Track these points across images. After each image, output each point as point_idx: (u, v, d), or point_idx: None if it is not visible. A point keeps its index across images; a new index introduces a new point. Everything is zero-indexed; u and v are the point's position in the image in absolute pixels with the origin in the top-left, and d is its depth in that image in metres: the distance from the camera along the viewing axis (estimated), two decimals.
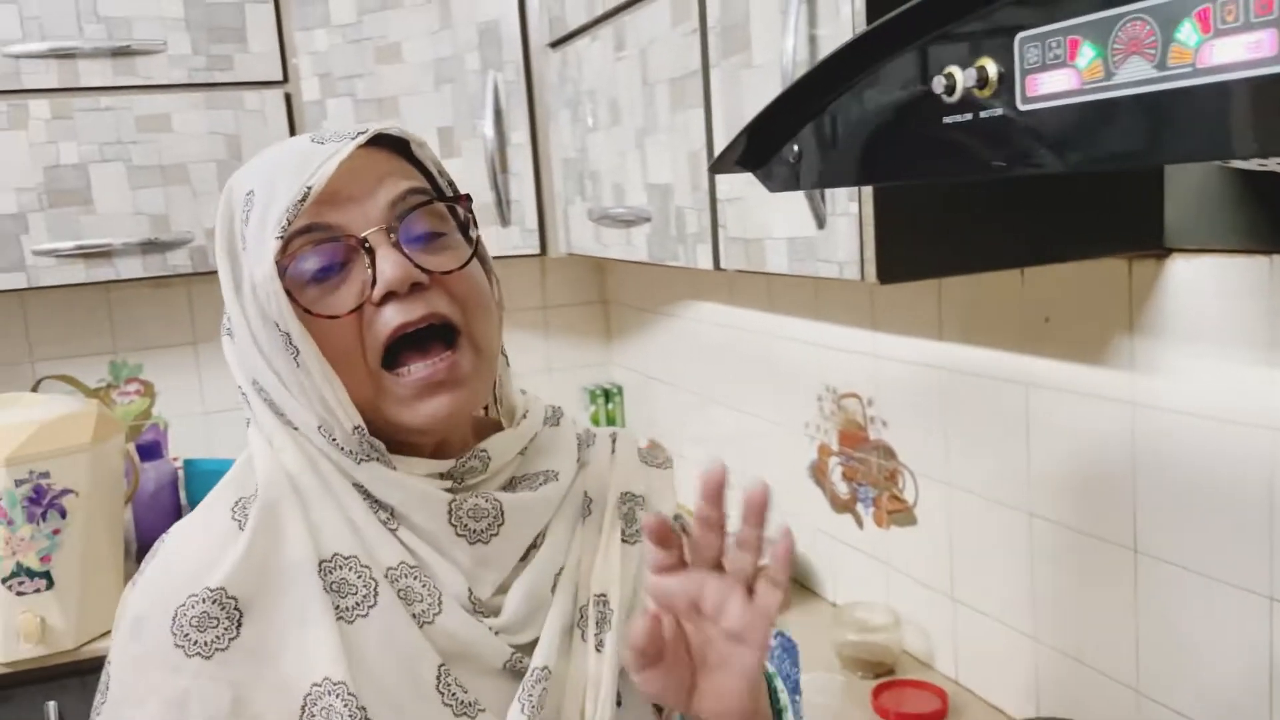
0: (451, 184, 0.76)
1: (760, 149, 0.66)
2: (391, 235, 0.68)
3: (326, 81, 1.70)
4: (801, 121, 0.61)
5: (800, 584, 1.58)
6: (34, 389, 1.89)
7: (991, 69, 0.48)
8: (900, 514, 1.34)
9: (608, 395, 2.18)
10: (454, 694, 0.70)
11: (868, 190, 0.83)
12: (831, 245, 0.88)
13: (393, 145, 0.73)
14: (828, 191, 0.87)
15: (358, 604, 0.69)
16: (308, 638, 0.68)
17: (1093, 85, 0.43)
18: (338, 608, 0.69)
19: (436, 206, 0.72)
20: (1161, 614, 0.99)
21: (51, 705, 1.51)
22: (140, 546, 1.77)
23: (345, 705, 0.66)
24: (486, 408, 0.81)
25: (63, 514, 1.46)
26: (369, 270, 0.67)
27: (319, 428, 0.70)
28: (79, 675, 1.52)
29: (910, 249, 0.84)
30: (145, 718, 0.67)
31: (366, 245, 0.68)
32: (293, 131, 1.74)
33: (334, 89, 1.70)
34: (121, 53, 1.65)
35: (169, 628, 0.67)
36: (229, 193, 0.72)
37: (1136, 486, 1.00)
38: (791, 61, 0.86)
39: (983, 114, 0.49)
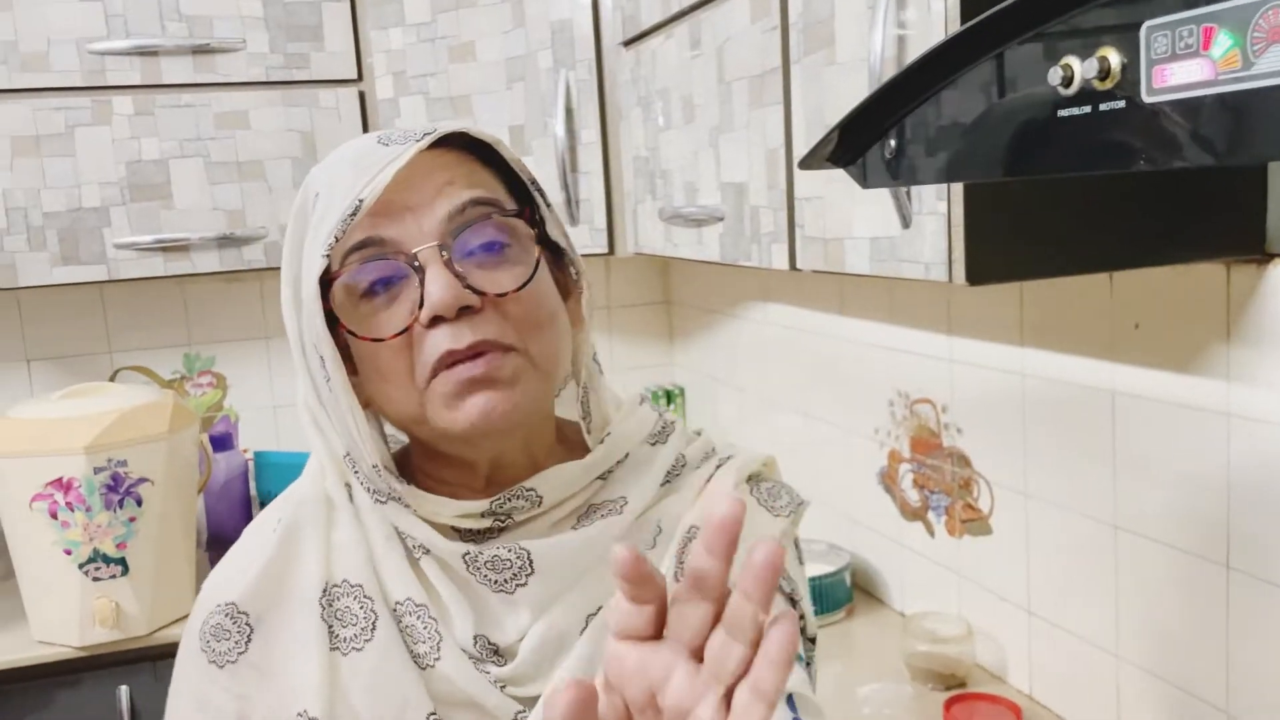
0: (535, 183, 0.70)
1: (854, 145, 0.65)
2: (444, 253, 0.63)
3: (400, 80, 1.71)
4: (901, 116, 0.60)
5: (866, 591, 1.55)
6: (111, 379, 1.93)
7: (1114, 60, 0.46)
8: (974, 523, 1.30)
9: (669, 396, 2.17)
10: None
11: (957, 189, 0.80)
12: (917, 245, 0.86)
13: (466, 146, 0.68)
14: (914, 190, 0.85)
15: (355, 635, 0.67)
16: (301, 665, 0.67)
17: (1229, 76, 0.41)
18: (336, 636, 0.68)
19: (502, 215, 0.66)
20: (1256, 635, 0.95)
21: (123, 690, 1.55)
22: (210, 536, 1.80)
23: None
24: (587, 421, 0.73)
25: (139, 502, 1.49)
26: (419, 290, 0.63)
27: (346, 455, 0.69)
28: (150, 661, 1.55)
29: (1000, 250, 0.82)
30: (180, 708, 0.71)
31: (417, 264, 0.63)
32: (365, 130, 1.76)
33: (407, 87, 1.71)
34: (202, 50, 1.68)
35: (199, 632, 0.71)
36: (304, 190, 0.69)
37: (1231, 501, 0.96)
38: (879, 58, 0.84)
39: (1102, 107, 0.47)
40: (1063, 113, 0.49)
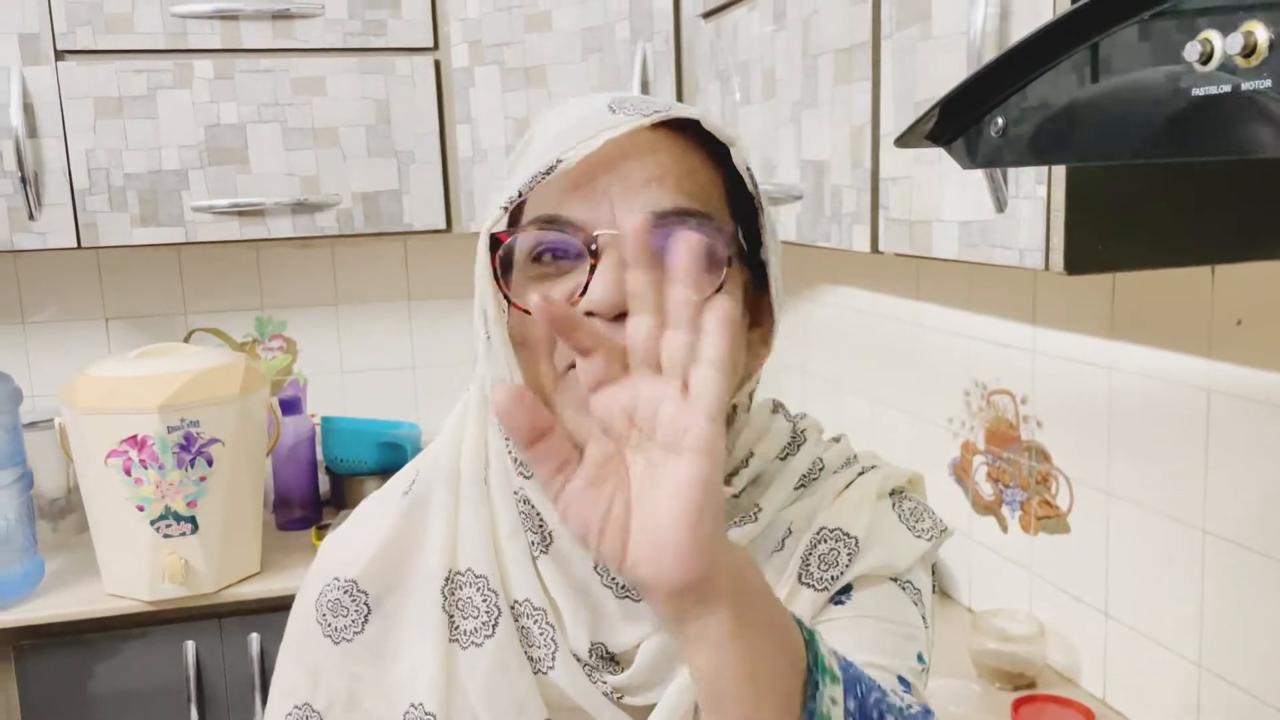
0: (760, 196, 0.63)
1: (956, 123, 0.62)
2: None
3: (475, 49, 1.70)
4: (1010, 93, 0.56)
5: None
6: (186, 339, 1.96)
7: (1261, 35, 0.42)
8: (1051, 520, 1.26)
9: None
10: None
11: (1059, 172, 0.76)
12: (1011, 231, 0.82)
13: (697, 134, 0.61)
14: (1011, 173, 0.81)
15: (475, 630, 0.65)
16: (419, 654, 0.65)
17: None
18: (456, 628, 0.65)
19: (700, 224, 0.59)
20: None
21: (189, 645, 1.58)
22: (277, 498, 1.83)
23: None
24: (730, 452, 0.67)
25: (209, 462, 1.52)
26: (588, 276, 0.57)
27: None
28: (216, 618, 1.58)
29: (1101, 238, 0.78)
30: (292, 675, 0.70)
31: (594, 249, 0.58)
32: (440, 99, 1.75)
33: (482, 57, 1.70)
34: (281, 15, 1.68)
35: (315, 602, 0.69)
36: (528, 133, 0.65)
37: None
38: (979, 34, 0.80)
39: (1245, 86, 0.43)
40: (1199, 92, 0.45)
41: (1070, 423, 1.22)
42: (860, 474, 0.70)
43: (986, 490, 1.38)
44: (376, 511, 0.70)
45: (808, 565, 0.65)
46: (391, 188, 1.75)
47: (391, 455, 1.88)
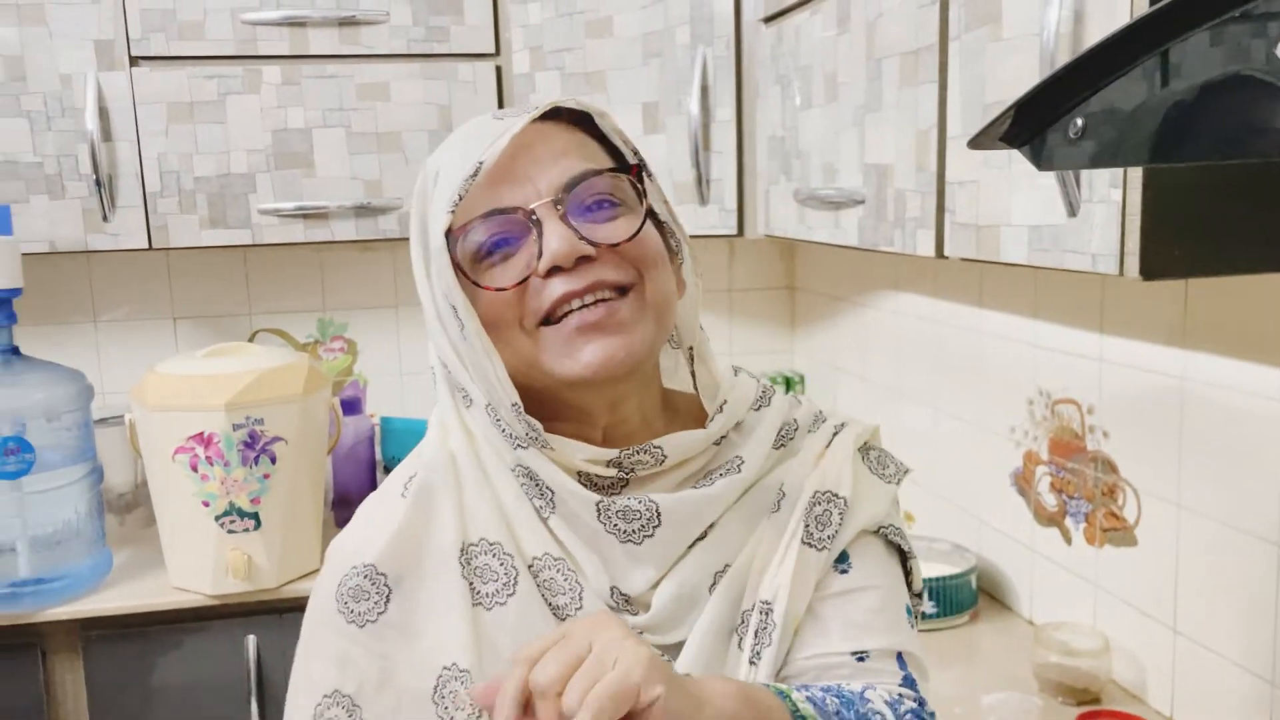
0: (636, 153, 0.74)
1: (1031, 124, 0.61)
2: (559, 208, 0.68)
3: (537, 54, 1.71)
4: (1091, 93, 0.55)
5: (992, 596, 1.49)
6: (250, 339, 2.01)
7: None
8: (1117, 533, 1.23)
9: (788, 383, 2.13)
10: None
11: (1135, 174, 0.75)
12: (1084, 235, 0.80)
13: (576, 119, 0.73)
14: (1084, 175, 0.80)
15: (497, 591, 0.70)
16: (445, 622, 0.70)
17: None
18: (477, 593, 0.70)
19: (612, 176, 0.71)
20: None
21: (251, 639, 1.61)
22: (336, 496, 1.85)
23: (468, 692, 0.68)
24: (695, 382, 0.77)
25: (273, 460, 1.54)
26: (537, 244, 0.67)
27: (486, 406, 0.71)
28: (277, 613, 1.61)
29: (1179, 243, 0.76)
30: (316, 669, 0.73)
31: (534, 219, 0.68)
32: (501, 104, 1.77)
33: (543, 62, 1.71)
34: (347, 22, 1.71)
35: (334, 593, 0.72)
36: (423, 172, 0.74)
37: None
38: (1053, 35, 0.79)
39: None
40: None
41: (1139, 433, 1.19)
42: (835, 433, 0.78)
43: (1050, 501, 1.36)
44: (381, 506, 0.75)
45: (808, 528, 0.72)
46: None
47: None
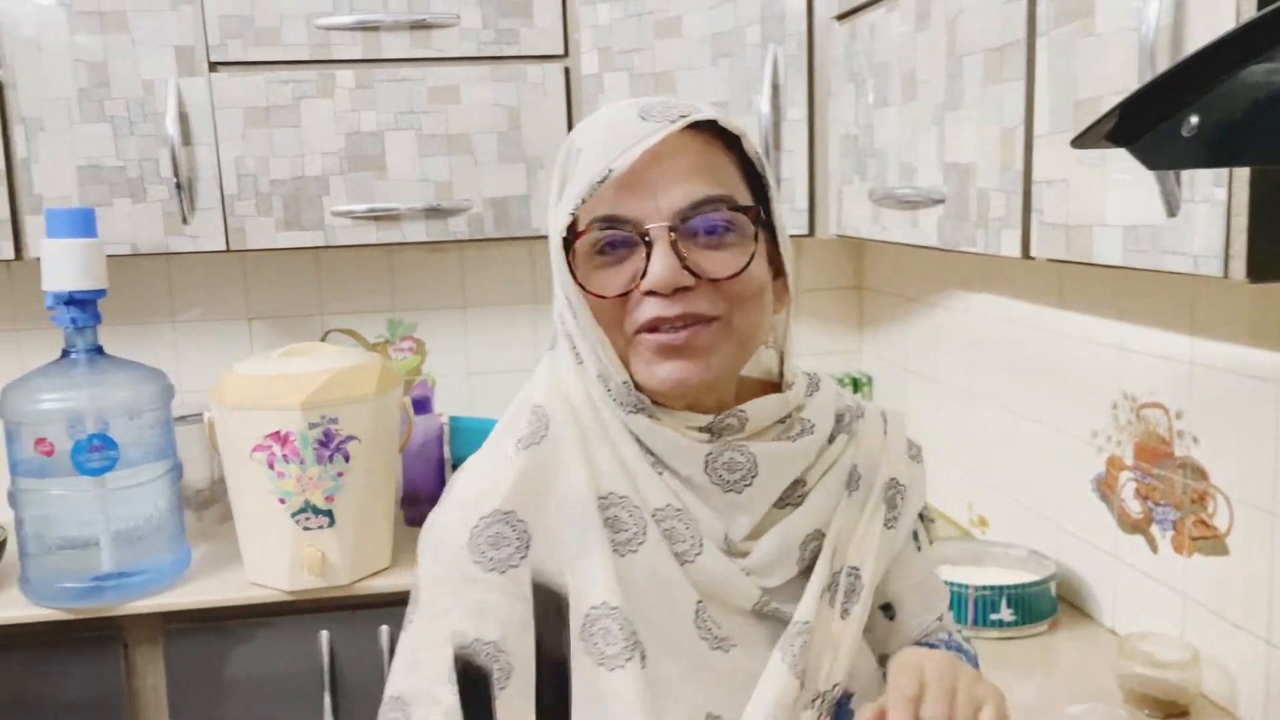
0: (768, 174, 0.78)
1: (1140, 122, 0.59)
2: (673, 234, 0.71)
3: (605, 55, 1.71)
4: (1207, 89, 0.53)
5: (1071, 604, 1.45)
6: (322, 339, 2.04)
7: None
8: (1207, 541, 1.19)
9: (856, 384, 2.10)
10: (709, 628, 0.75)
11: (1240, 174, 0.72)
12: (1185, 236, 0.78)
13: (714, 130, 0.75)
14: (1184, 174, 0.77)
15: (629, 540, 0.75)
16: (588, 564, 0.73)
17: None
18: (613, 541, 0.75)
19: (730, 209, 0.73)
20: None
21: (324, 634, 1.63)
22: (406, 494, 1.87)
23: (621, 628, 0.72)
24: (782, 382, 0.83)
25: (346, 458, 1.57)
26: (645, 261, 0.71)
27: (598, 375, 0.77)
28: (350, 609, 1.63)
29: None
30: (450, 625, 0.74)
31: (647, 239, 0.71)
32: (569, 106, 1.77)
33: (612, 63, 1.71)
34: (419, 26, 1.73)
35: (466, 545, 0.74)
36: (568, 143, 0.76)
37: None
38: (1153, 28, 0.77)
39: None
40: None
41: (1232, 439, 1.15)
42: (885, 420, 0.86)
43: (1134, 508, 1.32)
44: (497, 456, 0.78)
45: (884, 509, 0.82)
46: (520, 193, 1.78)
47: None
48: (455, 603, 0.74)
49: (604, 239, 0.73)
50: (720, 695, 0.74)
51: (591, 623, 0.72)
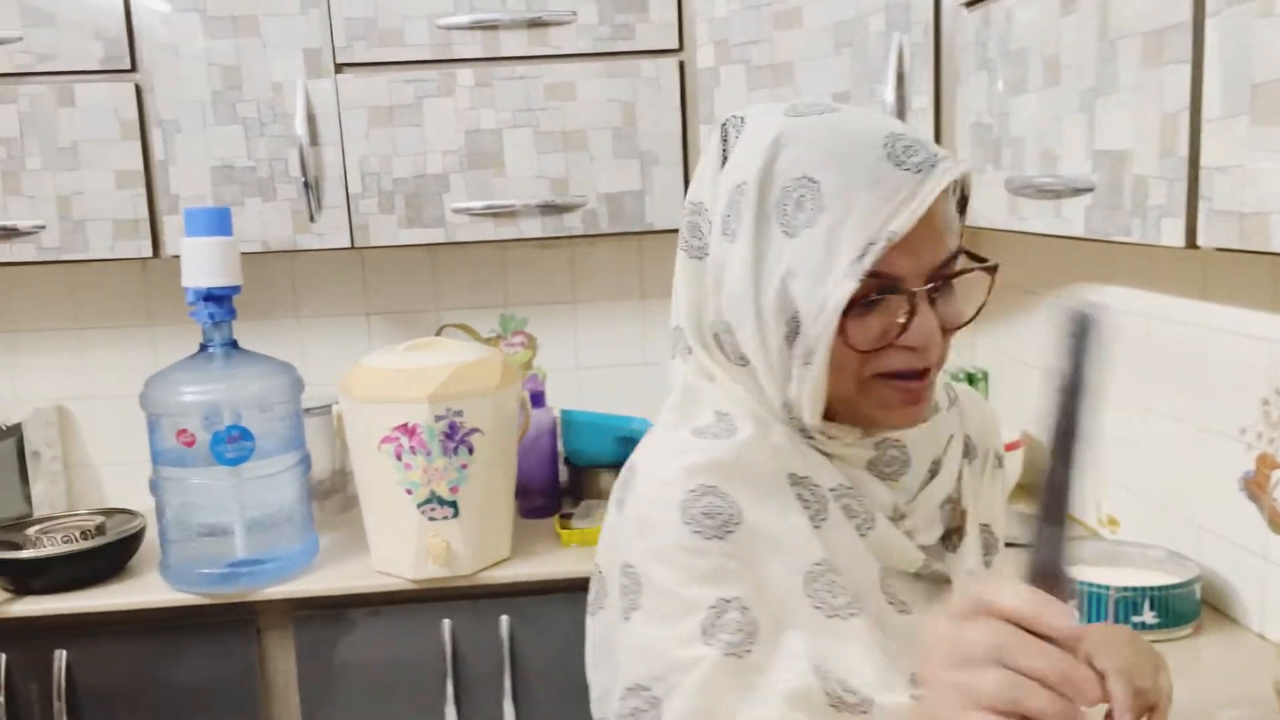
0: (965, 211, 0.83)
1: None
2: (933, 297, 0.76)
3: (722, 48, 1.71)
4: None
5: (1215, 608, 1.40)
6: (437, 334, 2.08)
7: None
8: None
9: (970, 379, 2.06)
10: (892, 592, 0.81)
11: None
12: None
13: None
14: None
15: (816, 513, 0.79)
16: (797, 532, 0.77)
17: None
18: (806, 513, 0.79)
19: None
20: None
21: (446, 623, 1.66)
22: (520, 487, 1.89)
23: (842, 584, 0.76)
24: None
25: (470, 450, 1.59)
26: (903, 319, 0.74)
27: (783, 404, 0.79)
28: (472, 599, 1.66)
29: None
30: (687, 594, 0.74)
31: (914, 300, 0.74)
32: (684, 100, 1.77)
33: (728, 56, 1.71)
34: (537, 24, 1.75)
35: (680, 520, 0.75)
36: (770, 154, 0.75)
37: None
38: None
39: None
40: None
41: None
42: (969, 391, 0.97)
43: None
44: (685, 440, 0.79)
45: (996, 474, 0.95)
46: (635, 188, 1.79)
47: (628, 450, 1.91)
48: (684, 574, 0.74)
49: (869, 290, 0.73)
50: (909, 656, 0.75)
51: (814, 578, 0.76)
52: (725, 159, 0.81)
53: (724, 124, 0.82)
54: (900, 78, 1.52)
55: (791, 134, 0.75)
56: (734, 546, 0.75)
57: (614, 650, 0.79)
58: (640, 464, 0.82)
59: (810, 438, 0.80)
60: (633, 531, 0.78)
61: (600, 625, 0.85)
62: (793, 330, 0.75)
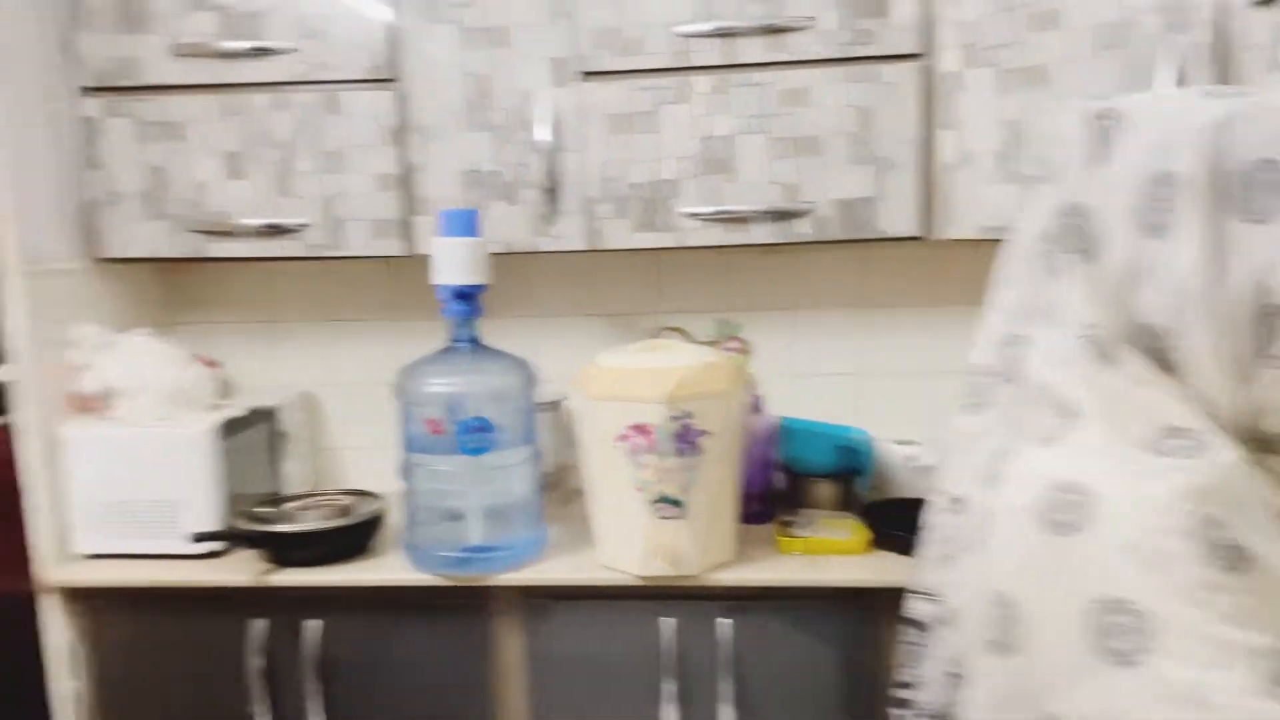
0: None
1: None
2: None
3: (970, 52, 1.66)
4: None
5: None
6: (655, 337, 2.11)
7: None
8: None
9: None
10: None
11: None
12: None
13: None
14: None
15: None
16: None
17: None
18: None
19: None
20: None
21: (668, 621, 1.68)
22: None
23: None
24: None
25: (700, 452, 1.61)
26: None
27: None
28: (694, 600, 1.68)
29: None
30: (1229, 640, 0.68)
31: None
32: (924, 106, 1.74)
33: (976, 59, 1.66)
34: (774, 30, 1.75)
35: (1197, 551, 0.69)
36: (1212, 140, 0.70)
37: None
38: None
39: None
40: None
41: None
42: None
43: None
44: (1153, 458, 0.74)
45: None
46: (868, 195, 1.77)
47: (847, 459, 1.90)
48: (1214, 613, 0.68)
49: None
50: None
51: None
52: (1097, 156, 0.76)
53: (1086, 118, 0.78)
54: (1179, 83, 1.44)
55: (1234, 117, 0.70)
56: (1252, 582, 0.68)
57: (1040, 699, 0.73)
58: (1095, 484, 0.74)
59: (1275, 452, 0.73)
60: (1118, 562, 0.71)
61: (1013, 669, 0.76)
62: (1272, 329, 0.68)
